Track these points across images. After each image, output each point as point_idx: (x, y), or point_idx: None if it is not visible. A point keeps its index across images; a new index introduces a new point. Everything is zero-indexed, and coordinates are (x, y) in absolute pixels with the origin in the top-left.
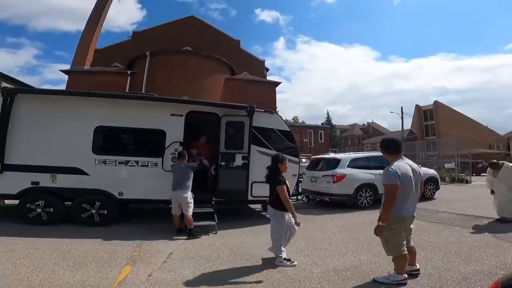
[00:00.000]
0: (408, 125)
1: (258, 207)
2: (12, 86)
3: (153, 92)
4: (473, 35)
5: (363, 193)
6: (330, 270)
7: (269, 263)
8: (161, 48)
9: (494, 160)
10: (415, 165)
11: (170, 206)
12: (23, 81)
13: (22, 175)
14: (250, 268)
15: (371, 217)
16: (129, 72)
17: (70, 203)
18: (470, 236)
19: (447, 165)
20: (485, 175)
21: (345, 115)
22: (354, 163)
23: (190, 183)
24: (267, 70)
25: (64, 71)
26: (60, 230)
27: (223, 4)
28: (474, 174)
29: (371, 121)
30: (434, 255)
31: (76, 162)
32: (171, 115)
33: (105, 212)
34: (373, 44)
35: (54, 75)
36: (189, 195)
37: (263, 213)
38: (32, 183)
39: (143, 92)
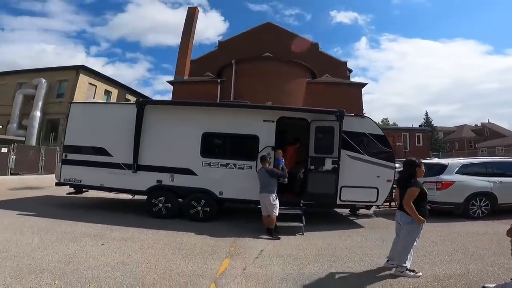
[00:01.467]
0: None
1: (345, 211)
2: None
3: (240, 98)
4: None
5: (476, 202)
6: (428, 276)
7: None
8: (244, 56)
9: None
10: None
11: (259, 206)
12: (141, 93)
13: (150, 174)
14: (336, 268)
15: (486, 228)
16: (219, 80)
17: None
18: None
19: None
20: None
21: (450, 116)
22: (465, 169)
23: (273, 187)
24: (350, 71)
25: (170, 82)
26: (174, 223)
27: (297, 9)
28: None
29: (487, 121)
30: None
31: (188, 164)
32: (264, 121)
33: (208, 209)
34: (481, 38)
35: (162, 86)
36: (272, 198)
37: (351, 218)
38: (157, 181)
39: (232, 99)
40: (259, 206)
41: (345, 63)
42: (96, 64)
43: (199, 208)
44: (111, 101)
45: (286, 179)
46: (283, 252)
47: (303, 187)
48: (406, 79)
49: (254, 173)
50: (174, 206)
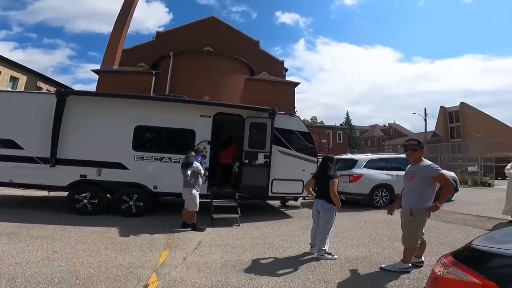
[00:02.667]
0: (431, 127)
1: (277, 203)
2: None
3: (175, 91)
4: (501, 36)
5: (379, 193)
6: (342, 258)
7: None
8: (183, 48)
9: None
10: None
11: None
12: (57, 80)
13: (72, 169)
14: (270, 254)
15: (386, 216)
16: (154, 72)
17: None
18: (478, 234)
19: (470, 168)
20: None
21: (366, 116)
22: (371, 164)
23: (190, 180)
24: (286, 70)
25: (95, 71)
26: (103, 219)
27: (244, 6)
28: (499, 178)
29: (393, 122)
30: (442, 250)
31: (119, 157)
32: (201, 116)
33: (141, 204)
34: (395, 45)
35: (86, 75)
36: (188, 191)
37: (282, 209)
38: (81, 176)
39: (167, 92)
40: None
41: (282, 62)
42: (1, 49)
43: (131, 203)
44: (19, 90)
45: (202, 172)
46: (221, 242)
47: (238, 180)
48: (334, 80)
49: None
50: (102, 202)
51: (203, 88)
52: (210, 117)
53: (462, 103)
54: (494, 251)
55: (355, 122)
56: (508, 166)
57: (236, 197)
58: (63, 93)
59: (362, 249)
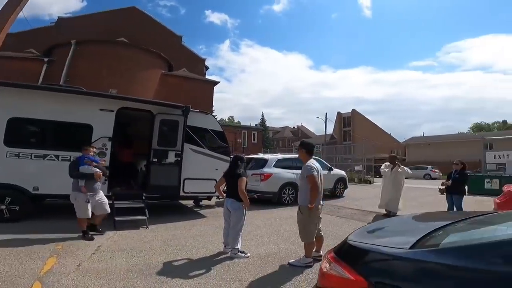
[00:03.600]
0: (331, 130)
1: (190, 203)
2: None
3: (75, 83)
4: (389, 51)
5: (286, 191)
6: (255, 256)
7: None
8: (90, 37)
9: (394, 154)
10: (318, 165)
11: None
12: None
13: None
14: (182, 256)
15: (292, 212)
16: (46, 59)
17: None
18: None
19: (356, 168)
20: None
21: (279, 118)
22: (280, 163)
23: (74, 182)
24: (207, 68)
25: None
26: None
27: (173, 1)
28: (377, 176)
29: (301, 124)
30: (336, 243)
31: None
32: (101, 110)
33: (17, 208)
34: (309, 53)
35: None
36: (72, 195)
37: (195, 209)
38: None
39: (61, 82)
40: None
41: (204, 60)
42: None
43: (3, 207)
44: None
45: (94, 171)
46: (125, 246)
47: (146, 180)
48: (253, 82)
49: None
50: None
51: (111, 81)
52: (112, 111)
53: (353, 110)
54: (364, 247)
55: (269, 123)
56: (383, 166)
57: (143, 197)
58: None
59: (272, 246)
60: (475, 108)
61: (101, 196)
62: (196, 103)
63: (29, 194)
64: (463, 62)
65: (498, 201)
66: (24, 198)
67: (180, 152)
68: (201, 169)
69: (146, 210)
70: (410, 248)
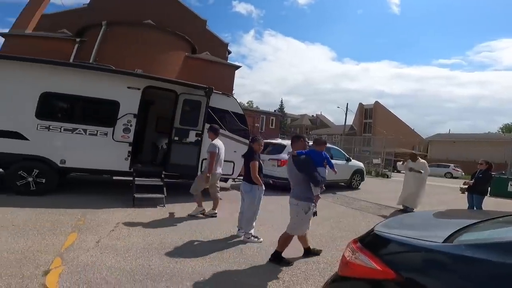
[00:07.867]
0: (351, 121)
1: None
2: None
3: (103, 62)
4: (416, 47)
5: None
6: (267, 241)
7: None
8: (119, 19)
9: (414, 152)
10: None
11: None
12: None
13: None
14: (196, 237)
15: None
16: (77, 39)
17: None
18: (377, 220)
19: (374, 161)
20: (404, 173)
21: (297, 106)
22: None
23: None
24: (229, 53)
25: (1, 34)
26: None
27: None
28: (396, 171)
29: (320, 113)
30: (349, 235)
31: (15, 126)
32: (128, 88)
33: (43, 180)
34: (332, 45)
35: None
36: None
37: None
38: None
39: (91, 61)
40: (115, 177)
41: (227, 44)
42: None
43: (30, 179)
44: None
45: None
46: (142, 224)
47: (166, 158)
48: (274, 70)
49: (109, 140)
50: None
51: (137, 61)
52: (139, 89)
53: (376, 102)
54: (393, 238)
55: (287, 110)
56: (400, 163)
57: (163, 175)
58: None
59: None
60: (505, 109)
61: None
62: (217, 86)
63: (56, 166)
64: (494, 61)
65: None
66: (51, 171)
67: (201, 132)
68: None
69: (164, 189)
70: (444, 242)
